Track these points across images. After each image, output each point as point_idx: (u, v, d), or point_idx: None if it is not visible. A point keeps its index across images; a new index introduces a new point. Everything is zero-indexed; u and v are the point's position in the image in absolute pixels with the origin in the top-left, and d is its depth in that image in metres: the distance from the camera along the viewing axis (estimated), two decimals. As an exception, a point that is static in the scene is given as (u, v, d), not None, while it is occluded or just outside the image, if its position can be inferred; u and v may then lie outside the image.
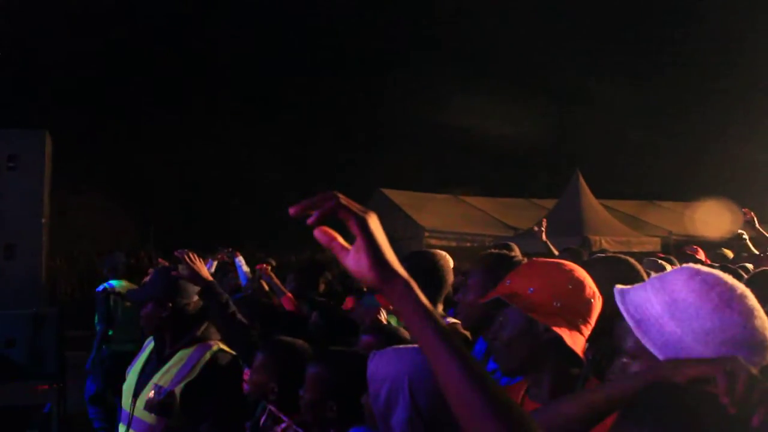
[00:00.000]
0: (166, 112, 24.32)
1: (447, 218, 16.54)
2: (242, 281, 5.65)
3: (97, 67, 24.68)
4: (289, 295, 4.71)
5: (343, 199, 1.06)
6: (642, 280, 2.35)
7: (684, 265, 1.55)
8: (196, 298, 3.11)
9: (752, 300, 1.41)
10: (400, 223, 16.38)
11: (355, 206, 1.06)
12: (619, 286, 1.53)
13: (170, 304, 3.05)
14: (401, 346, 2.32)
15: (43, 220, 7.89)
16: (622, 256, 2.57)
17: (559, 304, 1.80)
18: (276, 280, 4.85)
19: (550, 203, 15.84)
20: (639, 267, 2.42)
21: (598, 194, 14.83)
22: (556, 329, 1.75)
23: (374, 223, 1.06)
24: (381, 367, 2.11)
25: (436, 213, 16.38)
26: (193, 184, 24.42)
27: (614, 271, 2.28)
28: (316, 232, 1.08)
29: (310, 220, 1.05)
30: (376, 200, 18.84)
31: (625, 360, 1.50)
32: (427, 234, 15.41)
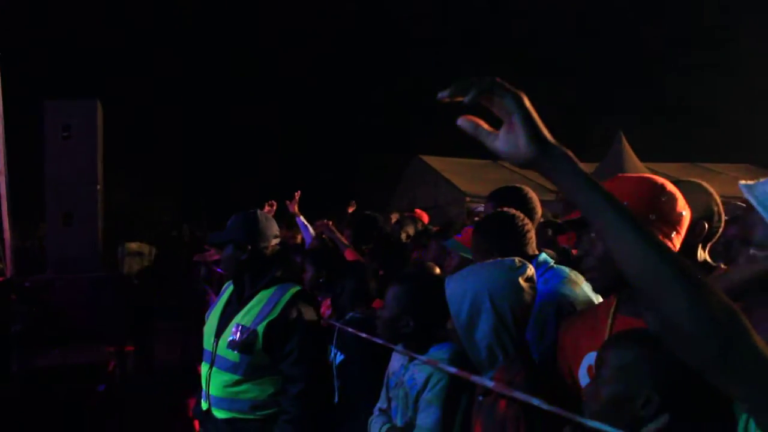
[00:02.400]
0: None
1: (487, 183, 16.45)
2: (306, 239, 5.76)
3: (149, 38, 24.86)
4: (350, 248, 4.80)
5: (498, 79, 1.06)
6: (715, 203, 2.40)
7: None
8: (274, 241, 3.21)
9: None
10: (441, 189, 16.39)
11: (508, 85, 1.06)
12: (743, 182, 1.54)
13: (249, 247, 3.14)
14: (474, 264, 2.39)
15: (98, 187, 8.07)
16: (696, 180, 2.58)
17: (654, 217, 1.83)
18: (337, 234, 4.94)
19: (592, 167, 15.68)
20: (712, 191, 2.45)
21: (643, 158, 14.62)
22: None
23: (528, 100, 1.07)
24: (459, 285, 2.17)
25: (475, 178, 16.33)
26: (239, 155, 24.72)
27: (690, 193, 2.30)
28: (460, 121, 1.10)
29: (464, 100, 1.05)
30: (415, 167, 18.85)
31: (753, 251, 1.50)
32: (468, 199, 15.39)
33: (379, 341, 2.69)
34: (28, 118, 8.98)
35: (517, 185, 3.32)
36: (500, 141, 1.08)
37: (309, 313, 3.10)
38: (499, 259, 2.25)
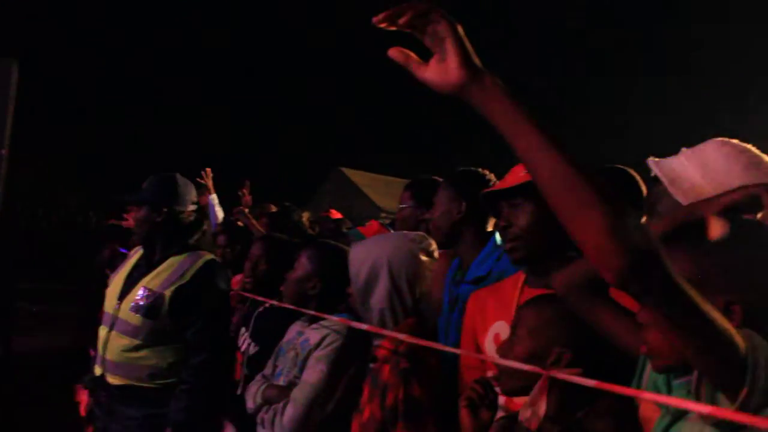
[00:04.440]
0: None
1: (404, 201, 16.62)
2: (212, 223, 5.59)
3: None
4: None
5: (436, 5, 1.07)
6: (640, 187, 2.54)
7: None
8: (192, 207, 3.13)
9: None
10: (357, 203, 16.45)
11: (444, 11, 1.07)
12: (652, 158, 1.65)
13: (165, 209, 3.06)
14: (380, 234, 2.45)
15: (3, 152, 7.70)
16: (621, 167, 2.70)
17: None
18: (253, 221, 4.87)
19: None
20: (637, 177, 2.58)
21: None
22: None
23: (460, 27, 1.08)
24: (362, 251, 2.25)
25: (393, 195, 16.44)
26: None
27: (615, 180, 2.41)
28: (392, 51, 1.11)
29: (400, 21, 1.05)
30: (335, 179, 18.86)
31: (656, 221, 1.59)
32: (383, 215, 15.52)
33: (302, 311, 2.66)
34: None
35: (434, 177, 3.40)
36: (430, 70, 1.09)
37: (220, 283, 3.04)
38: (405, 232, 2.35)
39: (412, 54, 1.12)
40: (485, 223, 2.61)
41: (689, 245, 1.23)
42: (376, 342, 2.20)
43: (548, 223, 1.90)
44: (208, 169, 5.55)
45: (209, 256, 3.08)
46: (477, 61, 1.08)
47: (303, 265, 2.66)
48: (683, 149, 1.63)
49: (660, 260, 1.00)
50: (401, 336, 2.00)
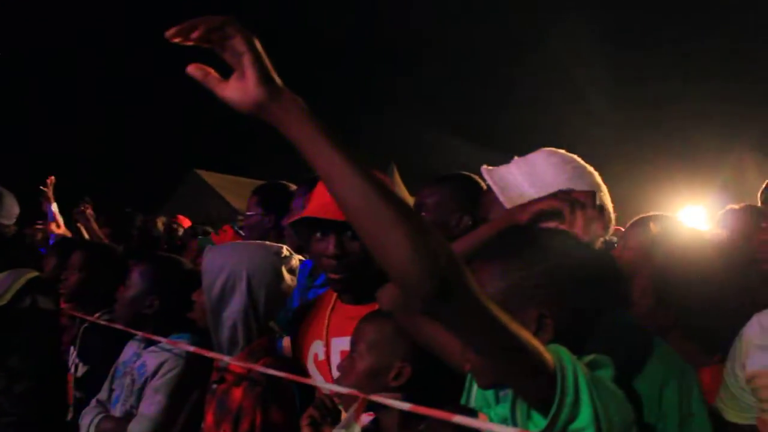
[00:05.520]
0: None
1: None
2: (50, 235, 5.18)
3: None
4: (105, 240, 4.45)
5: (229, 18, 1.00)
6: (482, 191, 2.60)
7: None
8: (13, 221, 2.85)
9: (599, 179, 1.60)
10: (214, 205, 16.01)
11: (239, 25, 1.01)
12: (486, 166, 1.66)
13: (-16, 224, 2.76)
14: (240, 242, 2.33)
15: None
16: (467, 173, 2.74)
17: None
18: (94, 225, 4.55)
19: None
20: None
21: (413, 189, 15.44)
22: None
23: (259, 43, 1.02)
24: (218, 258, 2.09)
25: (247, 197, 16.16)
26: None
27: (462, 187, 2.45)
28: (190, 68, 1.03)
29: (193, 35, 0.98)
30: (190, 181, 18.27)
31: None
32: (240, 217, 15.18)
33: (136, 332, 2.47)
34: None
35: (282, 182, 3.32)
36: (229, 88, 1.02)
37: (45, 303, 2.78)
38: (268, 243, 2.20)
39: (212, 71, 1.05)
40: None
41: (502, 258, 1.24)
42: (222, 362, 2.05)
43: None
44: (52, 178, 5.17)
45: (32, 274, 2.82)
46: (276, 78, 1.03)
47: (136, 282, 2.46)
48: (515, 158, 1.67)
49: (466, 285, 0.98)
50: (261, 368, 1.86)
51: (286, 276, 2.09)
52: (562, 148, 1.65)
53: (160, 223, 6.74)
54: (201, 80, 1.04)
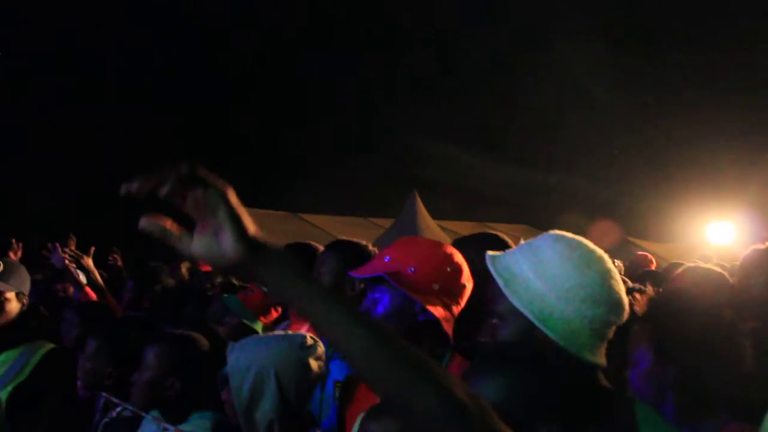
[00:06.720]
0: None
1: (285, 235, 16.36)
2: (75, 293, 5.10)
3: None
4: (87, 288, 4.14)
5: (198, 167, 0.90)
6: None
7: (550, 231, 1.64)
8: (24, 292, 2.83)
9: (610, 263, 1.55)
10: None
11: (210, 175, 0.91)
12: (490, 252, 1.60)
13: (-5, 299, 2.73)
14: (261, 335, 2.26)
15: None
16: (492, 231, 2.70)
17: (437, 287, 1.83)
18: (96, 275, 4.27)
19: (387, 222, 16.17)
20: (508, 239, 2.55)
21: (435, 215, 15.38)
22: (433, 310, 1.77)
23: (234, 194, 0.92)
24: (243, 357, 2.04)
25: (273, 230, 16.17)
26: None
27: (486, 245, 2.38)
28: (144, 222, 0.92)
29: (163, 191, 0.88)
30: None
31: (494, 321, 1.57)
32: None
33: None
34: None
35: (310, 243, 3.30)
36: (200, 244, 0.91)
37: (64, 377, 2.74)
38: (290, 333, 2.17)
39: (170, 225, 0.93)
40: None
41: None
42: None
43: (407, 317, 1.86)
44: (73, 239, 5.14)
45: (49, 346, 2.80)
46: (256, 232, 0.93)
47: (153, 365, 2.34)
48: (521, 242, 1.62)
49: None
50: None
51: (313, 365, 2.06)
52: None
53: (185, 268, 6.64)
54: (157, 236, 0.92)
